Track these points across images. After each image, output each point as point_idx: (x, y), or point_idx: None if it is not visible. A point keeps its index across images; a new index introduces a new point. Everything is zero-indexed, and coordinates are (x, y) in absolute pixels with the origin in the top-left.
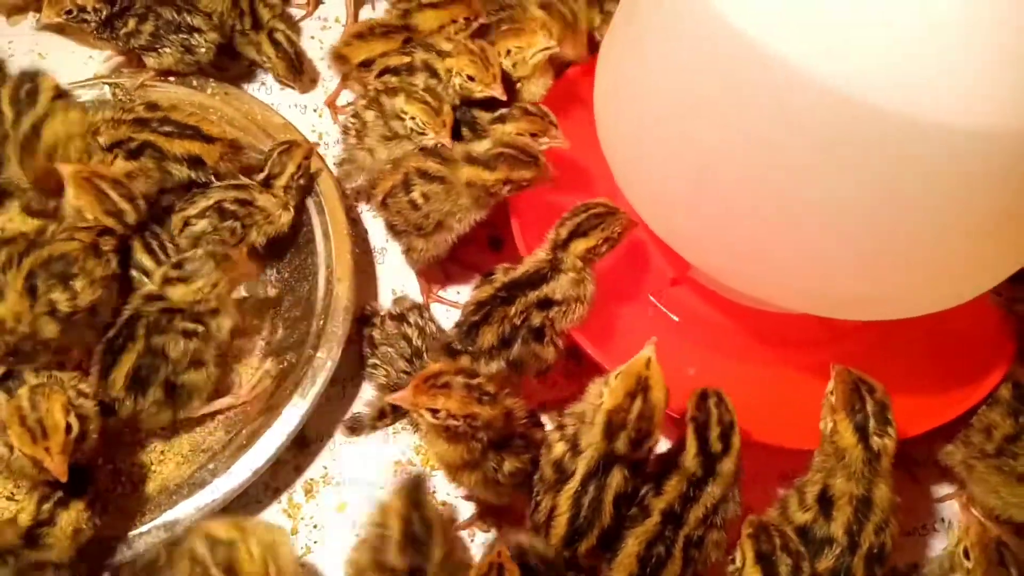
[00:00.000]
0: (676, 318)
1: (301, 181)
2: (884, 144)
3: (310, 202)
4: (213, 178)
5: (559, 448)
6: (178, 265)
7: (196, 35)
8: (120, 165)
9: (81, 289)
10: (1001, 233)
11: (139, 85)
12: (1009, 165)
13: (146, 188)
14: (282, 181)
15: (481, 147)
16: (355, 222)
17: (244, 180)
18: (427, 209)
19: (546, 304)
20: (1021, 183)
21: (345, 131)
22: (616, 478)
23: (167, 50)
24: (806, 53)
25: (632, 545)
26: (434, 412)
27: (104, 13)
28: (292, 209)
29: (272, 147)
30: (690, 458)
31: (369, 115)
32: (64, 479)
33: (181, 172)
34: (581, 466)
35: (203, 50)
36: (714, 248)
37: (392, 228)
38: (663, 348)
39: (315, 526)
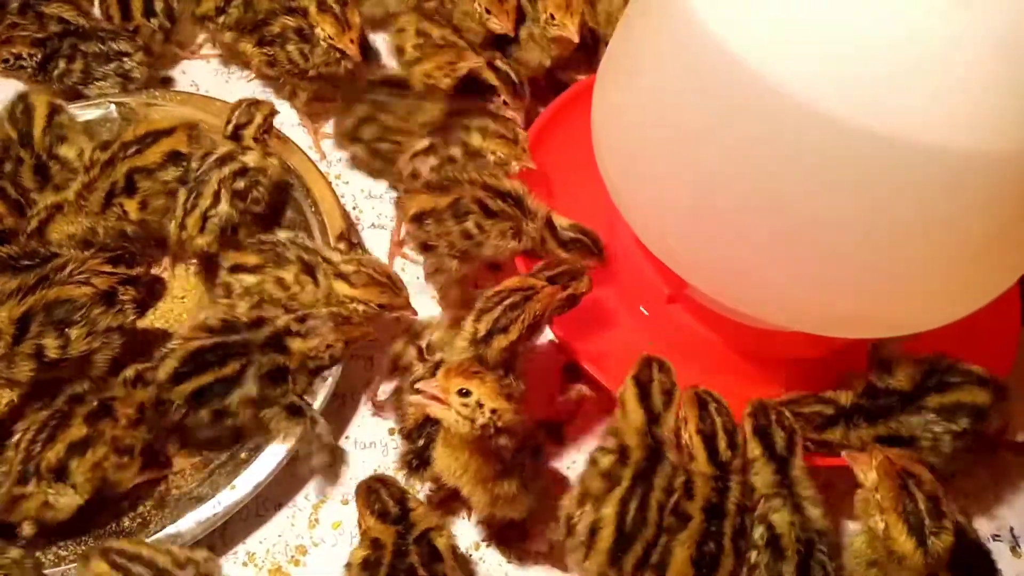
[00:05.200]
0: (671, 334)
1: (266, 136)
2: (879, 166)
3: (310, 214)
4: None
5: (606, 460)
6: (301, 319)
7: (127, 59)
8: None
9: (75, 338)
10: (994, 252)
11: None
12: (1002, 186)
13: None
14: (250, 131)
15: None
16: (354, 229)
17: (225, 147)
18: (480, 239)
19: None
20: (1014, 204)
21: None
22: (660, 478)
23: (104, 83)
24: (802, 79)
25: (681, 552)
26: (465, 394)
27: (39, 56)
28: (273, 155)
29: (236, 103)
30: (703, 464)
31: None
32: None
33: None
34: (628, 471)
35: (137, 74)
36: (710, 267)
37: (424, 246)
38: None
39: (315, 544)
